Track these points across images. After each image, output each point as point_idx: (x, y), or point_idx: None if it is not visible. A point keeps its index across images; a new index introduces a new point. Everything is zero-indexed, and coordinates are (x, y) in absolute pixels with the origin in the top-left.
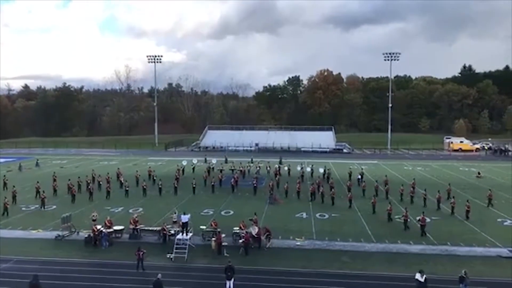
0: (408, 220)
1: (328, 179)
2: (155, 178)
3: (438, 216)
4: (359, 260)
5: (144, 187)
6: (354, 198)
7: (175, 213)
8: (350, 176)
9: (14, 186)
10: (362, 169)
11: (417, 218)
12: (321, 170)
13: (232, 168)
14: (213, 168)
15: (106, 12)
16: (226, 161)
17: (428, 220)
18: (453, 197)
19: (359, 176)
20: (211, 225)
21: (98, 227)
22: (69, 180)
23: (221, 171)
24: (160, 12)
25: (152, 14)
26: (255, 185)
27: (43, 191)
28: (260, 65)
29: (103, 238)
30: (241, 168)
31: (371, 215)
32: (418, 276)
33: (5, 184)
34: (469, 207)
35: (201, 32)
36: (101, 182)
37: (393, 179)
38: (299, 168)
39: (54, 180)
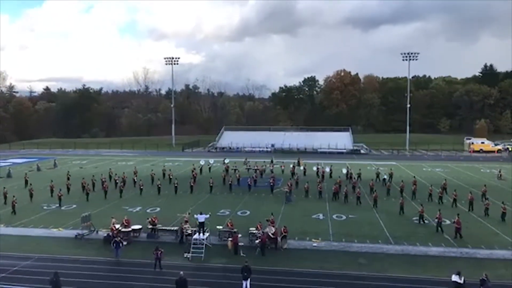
0: (442, 221)
1: (351, 179)
2: (171, 177)
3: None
4: (377, 262)
5: (159, 185)
6: (377, 198)
7: (188, 213)
8: (378, 176)
9: (30, 184)
10: (391, 169)
11: (452, 220)
12: (344, 171)
13: (248, 167)
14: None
15: (128, 16)
16: (245, 162)
17: (448, 222)
18: (487, 198)
19: (385, 176)
20: (227, 225)
21: (117, 226)
22: (83, 178)
23: (235, 170)
24: (180, 15)
25: (173, 17)
26: (272, 184)
27: (60, 189)
28: (278, 66)
29: (116, 247)
30: (256, 167)
31: (389, 216)
32: (456, 277)
33: (26, 182)
34: (505, 209)
35: (221, 34)
36: (117, 181)
37: (409, 181)
38: (314, 168)
39: (68, 179)
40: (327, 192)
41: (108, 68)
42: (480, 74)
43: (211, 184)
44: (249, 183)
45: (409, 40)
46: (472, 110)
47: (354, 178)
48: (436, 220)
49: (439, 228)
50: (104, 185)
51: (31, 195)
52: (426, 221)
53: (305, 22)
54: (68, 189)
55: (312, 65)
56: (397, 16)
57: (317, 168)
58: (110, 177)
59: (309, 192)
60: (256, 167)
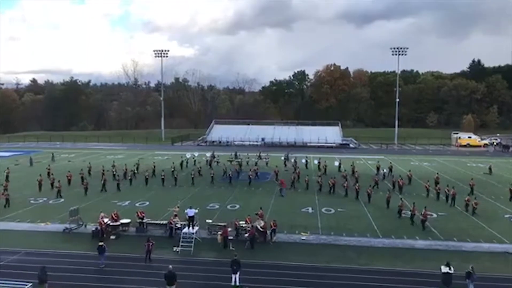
0: (414, 214)
1: (353, 173)
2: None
3: (445, 211)
4: (365, 255)
5: (146, 177)
6: (374, 191)
7: (178, 207)
8: (378, 170)
9: (7, 179)
10: (390, 163)
11: (420, 212)
12: (336, 164)
13: (231, 159)
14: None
15: (122, 8)
16: (236, 156)
17: (434, 215)
18: (470, 193)
19: (385, 170)
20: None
21: (105, 220)
22: (69, 171)
23: (217, 163)
24: (174, 8)
25: (167, 9)
26: (250, 177)
27: (59, 181)
28: (271, 60)
29: (101, 253)
30: (239, 160)
31: (377, 210)
32: (446, 269)
33: (7, 176)
34: (476, 204)
35: (215, 27)
36: (115, 173)
37: (402, 175)
38: (303, 161)
39: (48, 174)
40: (313, 184)
41: (99, 60)
42: (468, 70)
43: (193, 176)
44: (230, 175)
45: (402, 35)
46: (460, 105)
47: (345, 171)
48: (410, 212)
49: (412, 221)
50: (103, 178)
51: (5, 189)
52: (405, 215)
53: (300, 16)
54: (52, 184)
55: (305, 60)
56: (391, 12)
57: (306, 162)
58: (88, 171)
59: (300, 184)
60: (240, 160)
